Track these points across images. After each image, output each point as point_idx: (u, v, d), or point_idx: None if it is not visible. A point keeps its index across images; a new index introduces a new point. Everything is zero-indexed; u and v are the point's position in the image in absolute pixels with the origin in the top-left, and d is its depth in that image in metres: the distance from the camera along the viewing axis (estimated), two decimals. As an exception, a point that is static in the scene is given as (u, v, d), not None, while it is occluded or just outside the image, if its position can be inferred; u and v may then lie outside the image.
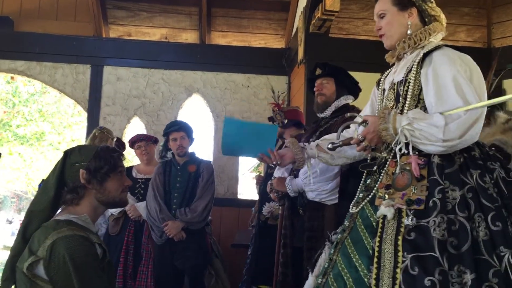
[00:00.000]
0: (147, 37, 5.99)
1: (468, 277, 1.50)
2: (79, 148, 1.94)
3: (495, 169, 1.69)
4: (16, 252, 1.77)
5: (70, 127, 14.32)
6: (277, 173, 3.36)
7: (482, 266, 1.53)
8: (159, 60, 5.77)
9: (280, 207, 3.15)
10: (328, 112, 2.84)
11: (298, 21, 5.20)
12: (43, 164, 14.67)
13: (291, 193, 2.82)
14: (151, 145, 4.18)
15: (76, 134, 14.17)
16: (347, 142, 1.93)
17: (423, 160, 1.69)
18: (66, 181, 1.84)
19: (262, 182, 3.87)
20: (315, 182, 2.61)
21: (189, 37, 6.05)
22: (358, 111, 2.68)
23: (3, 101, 13.33)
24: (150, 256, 3.84)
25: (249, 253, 3.98)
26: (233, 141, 2.26)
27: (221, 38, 6.07)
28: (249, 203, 5.12)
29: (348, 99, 2.90)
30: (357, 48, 4.82)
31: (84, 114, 5.88)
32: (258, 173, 6.97)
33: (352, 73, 3.01)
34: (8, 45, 5.59)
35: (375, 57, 2.97)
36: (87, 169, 1.83)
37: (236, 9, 5.90)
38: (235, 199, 5.69)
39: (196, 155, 3.98)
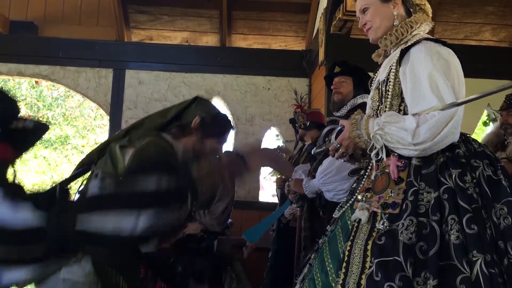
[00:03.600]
0: (168, 41, 6.03)
1: (431, 284, 1.38)
2: (206, 103, 2.12)
3: (478, 167, 1.57)
4: (112, 140, 1.96)
5: (93, 131, 14.52)
6: (295, 175, 3.32)
7: (450, 272, 1.41)
8: (180, 63, 5.79)
9: (299, 209, 3.12)
10: (343, 111, 2.83)
11: (318, 23, 5.17)
12: (68, 167, 14.91)
13: (309, 194, 2.78)
14: None
15: (100, 137, 14.36)
16: (329, 146, 1.86)
17: (402, 162, 1.60)
18: (182, 117, 2.01)
19: (283, 185, 3.84)
20: (331, 182, 2.57)
21: (210, 40, 6.07)
22: None
23: (28, 105, 13.61)
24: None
25: (269, 256, 3.95)
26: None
27: (242, 41, 6.08)
28: (270, 206, 5.10)
29: (364, 98, 2.87)
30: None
31: (107, 117, 5.94)
32: (278, 176, 6.93)
33: (368, 73, 2.97)
34: (32, 50, 5.69)
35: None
36: (202, 119, 1.99)
37: (256, 12, 5.89)
38: (256, 202, 5.67)
39: None
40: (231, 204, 3.78)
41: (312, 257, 1.78)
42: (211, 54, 5.88)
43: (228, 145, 6.30)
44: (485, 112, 5.64)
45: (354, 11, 4.05)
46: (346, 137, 1.72)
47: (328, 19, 4.61)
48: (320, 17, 5.04)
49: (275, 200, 4.87)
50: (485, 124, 7.64)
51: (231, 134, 2.16)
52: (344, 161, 1.89)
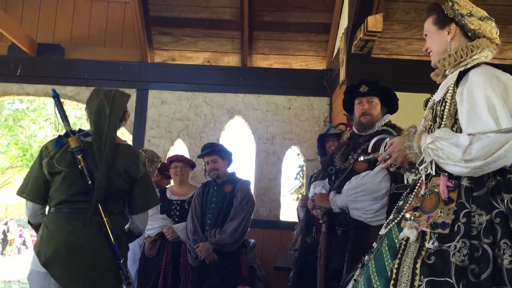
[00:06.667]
0: (191, 61, 6.12)
1: None
2: None
3: None
4: None
5: (116, 149, 14.73)
6: (315, 190, 3.27)
7: None
8: (202, 83, 5.87)
9: (323, 225, 3.08)
10: (371, 131, 2.80)
11: (339, 42, 5.19)
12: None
13: (335, 209, 2.72)
14: (187, 167, 4.21)
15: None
16: (377, 156, 1.92)
17: (452, 182, 1.61)
18: None
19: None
20: (361, 200, 2.55)
21: (231, 60, 6.15)
22: (400, 129, 2.66)
23: (53, 124, 13.96)
24: (188, 277, 3.81)
25: (290, 276, 3.91)
26: None
27: (263, 61, 6.14)
28: (291, 225, 5.07)
29: (387, 118, 2.87)
30: (400, 68, 4.75)
31: (129, 136, 6.03)
32: (301, 194, 6.91)
33: (396, 93, 2.97)
34: (59, 72, 5.84)
35: (418, 77, 2.92)
36: None
37: (277, 32, 5.95)
38: (277, 221, 5.66)
39: (236, 175, 3.97)
40: (245, 223, 3.69)
41: (357, 273, 1.80)
42: (232, 74, 5.94)
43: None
44: None
45: (376, 31, 4.09)
46: (396, 150, 1.77)
47: (349, 39, 4.62)
48: (341, 37, 5.06)
49: (295, 219, 4.84)
50: None
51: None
52: (391, 171, 1.92)
